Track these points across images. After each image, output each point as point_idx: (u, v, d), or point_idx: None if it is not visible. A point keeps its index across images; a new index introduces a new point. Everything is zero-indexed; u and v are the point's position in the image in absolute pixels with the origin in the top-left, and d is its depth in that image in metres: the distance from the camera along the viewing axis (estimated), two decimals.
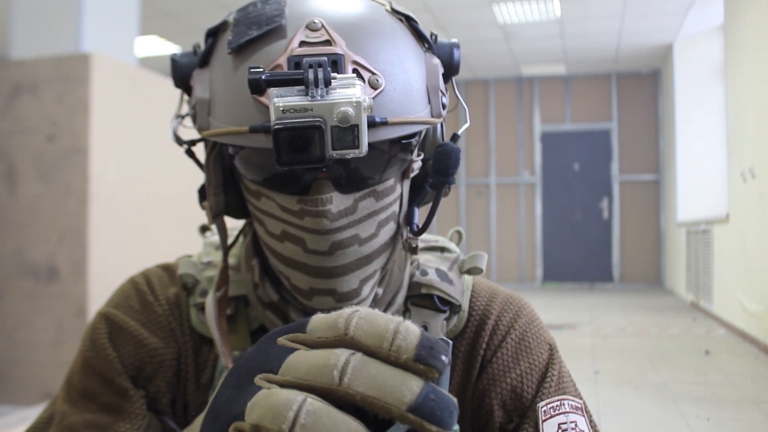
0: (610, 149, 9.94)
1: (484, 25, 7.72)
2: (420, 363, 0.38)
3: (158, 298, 0.79)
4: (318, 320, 0.42)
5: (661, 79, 9.58)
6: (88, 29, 3.70)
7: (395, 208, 0.69)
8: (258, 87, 0.56)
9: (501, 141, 10.29)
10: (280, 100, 0.55)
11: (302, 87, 0.55)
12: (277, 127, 0.54)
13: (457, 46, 0.72)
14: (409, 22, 0.69)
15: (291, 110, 0.54)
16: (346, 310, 0.42)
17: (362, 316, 0.41)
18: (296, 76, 0.56)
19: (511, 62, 9.40)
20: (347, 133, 0.55)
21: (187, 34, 7.76)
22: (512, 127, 10.26)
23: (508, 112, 10.28)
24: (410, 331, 0.40)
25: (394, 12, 0.69)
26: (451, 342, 0.42)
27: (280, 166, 0.56)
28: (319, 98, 0.54)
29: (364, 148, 0.56)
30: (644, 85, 9.83)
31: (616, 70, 9.77)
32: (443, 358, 0.40)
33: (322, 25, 0.62)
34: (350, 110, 0.54)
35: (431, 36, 0.71)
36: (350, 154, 0.56)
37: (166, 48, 8.31)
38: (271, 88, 0.56)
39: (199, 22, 7.39)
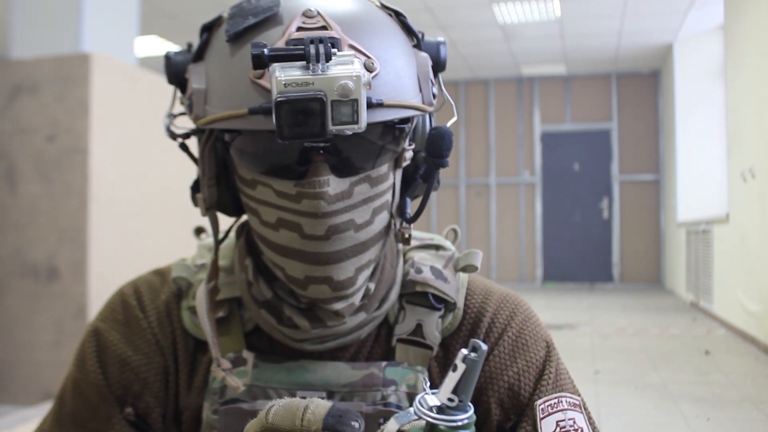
0: (610, 149, 9.93)
1: (484, 25, 7.72)
2: (329, 430, 0.47)
3: (145, 310, 0.79)
4: (252, 422, 0.52)
5: (661, 79, 9.58)
6: (88, 29, 3.70)
7: (388, 196, 0.70)
8: (261, 62, 0.57)
9: (501, 141, 10.28)
10: (282, 73, 0.56)
11: (303, 63, 0.57)
12: (279, 99, 0.55)
13: (444, 43, 0.73)
14: (398, 17, 0.71)
15: (293, 84, 0.55)
16: (270, 403, 0.52)
17: (281, 404, 0.51)
18: (298, 51, 0.57)
19: (511, 62, 9.40)
20: (347, 108, 0.56)
21: (186, 34, 7.76)
22: (512, 127, 10.25)
23: (508, 112, 10.28)
24: (319, 405, 0.48)
25: (384, 8, 0.71)
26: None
27: (281, 140, 0.57)
28: (320, 73, 0.56)
29: (363, 123, 0.57)
30: (644, 85, 9.83)
31: (616, 70, 9.76)
32: (354, 423, 0.48)
33: (318, 13, 0.63)
34: (350, 83, 0.55)
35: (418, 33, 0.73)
36: (349, 129, 0.57)
37: (166, 48, 8.31)
38: (273, 65, 0.57)
39: (198, 22, 7.38)
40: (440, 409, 0.53)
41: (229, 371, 0.71)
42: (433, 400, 0.53)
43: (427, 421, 0.52)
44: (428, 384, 0.57)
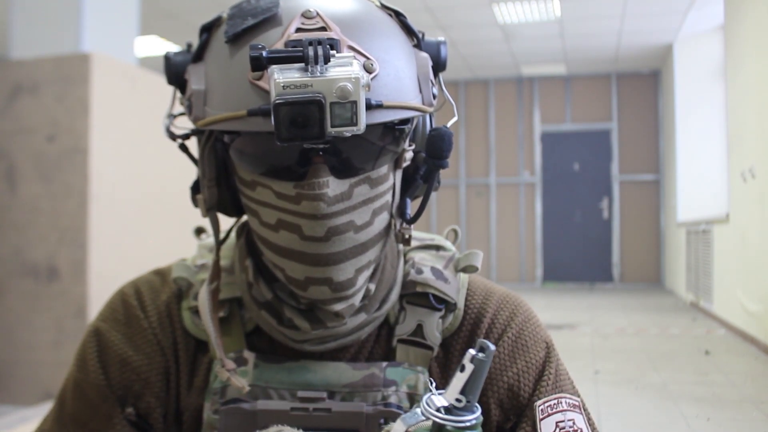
0: (610, 149, 9.93)
1: (484, 25, 7.72)
2: None
3: (146, 310, 0.79)
4: None
5: (661, 79, 9.57)
6: (88, 29, 3.70)
7: (388, 197, 0.70)
8: (259, 64, 0.57)
9: (501, 141, 10.28)
10: (281, 75, 0.56)
11: (302, 65, 0.57)
12: (277, 102, 0.55)
13: (444, 43, 0.73)
14: (398, 17, 0.71)
15: (291, 86, 0.55)
16: (270, 430, 0.51)
17: None
18: (296, 53, 0.57)
19: (511, 62, 9.40)
20: (346, 109, 0.56)
21: (186, 34, 7.76)
22: (512, 127, 10.25)
23: (508, 112, 10.28)
24: None
25: (384, 7, 0.71)
26: None
27: (280, 142, 0.57)
28: (318, 75, 0.56)
29: (362, 124, 0.57)
30: (644, 85, 9.82)
31: (616, 70, 9.76)
32: None
33: (317, 14, 0.63)
34: (349, 85, 0.55)
35: (418, 33, 0.73)
36: (348, 131, 0.56)
37: (166, 48, 8.31)
38: (271, 67, 0.57)
39: (198, 22, 7.38)
40: (448, 410, 0.52)
41: (233, 372, 0.71)
42: (440, 400, 0.53)
43: (435, 422, 0.52)
44: (434, 384, 0.58)
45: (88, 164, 3.35)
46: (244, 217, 0.78)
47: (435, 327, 0.76)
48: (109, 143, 3.48)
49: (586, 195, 10.05)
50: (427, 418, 0.53)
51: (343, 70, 0.56)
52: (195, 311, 0.77)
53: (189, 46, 0.73)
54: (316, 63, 0.56)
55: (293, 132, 0.56)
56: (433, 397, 0.53)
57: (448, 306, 0.78)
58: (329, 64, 0.57)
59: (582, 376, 4.06)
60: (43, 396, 3.31)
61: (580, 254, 10.04)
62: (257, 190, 0.67)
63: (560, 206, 10.14)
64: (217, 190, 0.73)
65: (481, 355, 0.52)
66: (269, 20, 0.64)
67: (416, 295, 0.77)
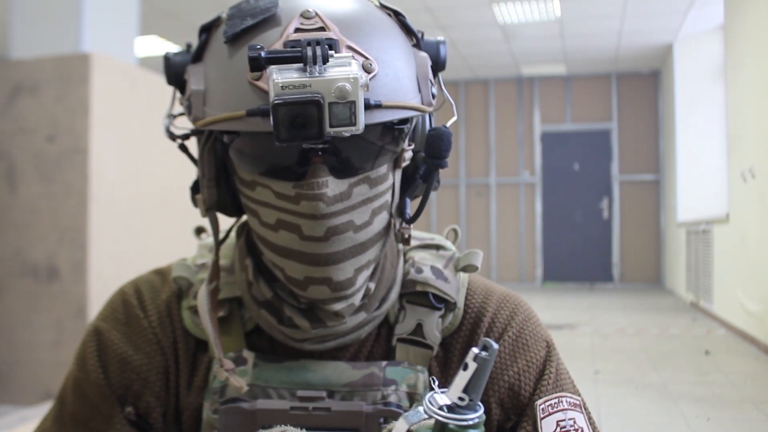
0: (610, 149, 9.93)
1: (484, 25, 7.72)
2: None
3: (146, 310, 0.79)
4: None
5: (661, 79, 9.57)
6: (88, 29, 3.70)
7: (388, 197, 0.70)
8: (258, 64, 0.57)
9: (501, 141, 10.28)
10: (279, 76, 0.56)
11: (300, 65, 0.57)
12: (276, 102, 0.55)
13: (443, 43, 0.73)
14: (398, 17, 0.71)
15: (290, 87, 0.56)
16: (274, 430, 0.50)
17: None
18: (295, 53, 0.57)
19: (511, 62, 9.39)
20: (344, 109, 0.56)
21: (186, 34, 7.76)
22: (512, 127, 10.25)
23: (508, 112, 10.27)
24: None
25: (383, 7, 0.71)
26: None
27: (279, 142, 0.57)
28: (317, 75, 0.56)
29: (361, 124, 0.57)
30: (644, 85, 9.82)
31: (616, 70, 9.76)
32: None
33: (316, 14, 0.63)
34: (347, 85, 0.55)
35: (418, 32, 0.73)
36: (347, 131, 0.56)
37: (166, 48, 8.31)
38: (270, 68, 0.57)
39: (198, 22, 7.35)
40: (450, 408, 0.52)
41: (232, 371, 0.71)
42: (443, 399, 0.53)
43: (437, 420, 0.52)
44: (437, 383, 0.58)
45: (88, 164, 3.35)
46: (244, 217, 0.78)
47: (435, 326, 0.76)
48: (109, 143, 3.48)
49: (586, 195, 10.05)
50: (430, 417, 0.53)
51: (342, 70, 0.56)
52: (195, 311, 0.77)
53: (188, 46, 0.73)
54: (315, 63, 0.56)
55: (292, 132, 0.56)
56: (435, 395, 0.53)
57: (448, 305, 0.78)
58: (328, 64, 0.57)
59: (582, 376, 4.06)
60: (43, 396, 3.31)
61: (580, 254, 10.04)
62: (257, 190, 0.67)
63: (560, 206, 10.14)
64: (217, 190, 0.73)
65: (484, 353, 0.52)
66: (268, 20, 0.64)
67: (416, 295, 0.77)
